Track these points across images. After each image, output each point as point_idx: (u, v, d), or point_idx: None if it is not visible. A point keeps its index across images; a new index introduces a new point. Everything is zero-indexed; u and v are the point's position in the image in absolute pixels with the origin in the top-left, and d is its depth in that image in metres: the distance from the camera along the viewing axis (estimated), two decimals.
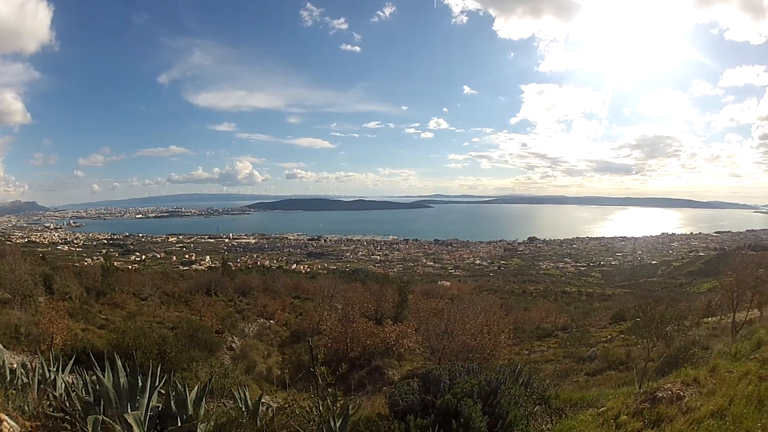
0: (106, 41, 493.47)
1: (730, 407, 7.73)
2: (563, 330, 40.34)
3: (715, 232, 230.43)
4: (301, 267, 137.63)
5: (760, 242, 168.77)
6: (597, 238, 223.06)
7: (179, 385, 6.55)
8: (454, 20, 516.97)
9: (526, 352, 31.51)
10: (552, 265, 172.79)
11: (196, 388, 6.90)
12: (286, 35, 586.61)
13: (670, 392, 8.89)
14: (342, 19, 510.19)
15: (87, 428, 5.44)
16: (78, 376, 7.26)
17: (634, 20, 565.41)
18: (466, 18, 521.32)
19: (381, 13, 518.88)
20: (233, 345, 27.74)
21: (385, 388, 14.65)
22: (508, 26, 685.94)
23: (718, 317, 36.62)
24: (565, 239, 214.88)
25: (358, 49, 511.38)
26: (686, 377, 9.65)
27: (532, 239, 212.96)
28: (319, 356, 7.76)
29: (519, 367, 11.08)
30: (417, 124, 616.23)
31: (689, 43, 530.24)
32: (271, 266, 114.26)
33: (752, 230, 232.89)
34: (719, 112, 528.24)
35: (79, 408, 6.04)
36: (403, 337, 25.23)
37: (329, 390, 6.87)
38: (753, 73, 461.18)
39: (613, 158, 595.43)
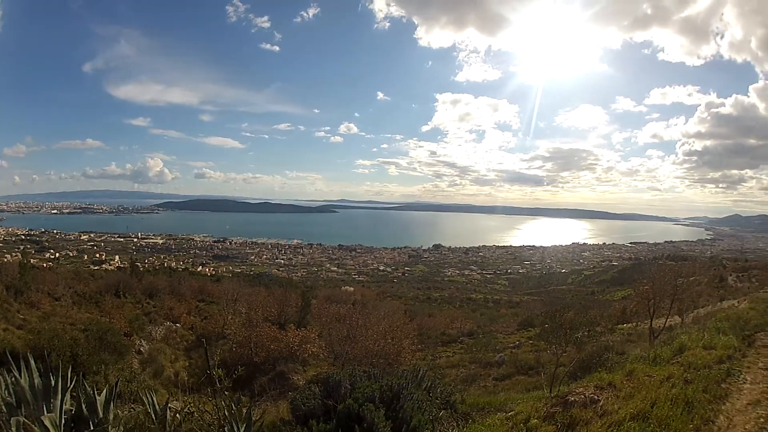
0: (37, 25, 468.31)
1: (653, 410, 7.89)
2: (469, 336, 40.73)
3: (630, 243, 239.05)
4: (207, 269, 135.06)
5: (680, 253, 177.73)
6: (504, 247, 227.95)
7: (89, 388, 6.34)
8: (376, 26, 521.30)
9: (432, 357, 31.86)
10: (457, 272, 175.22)
11: (105, 391, 6.66)
12: (210, 30, 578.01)
13: (583, 396, 9.04)
14: (265, 18, 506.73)
15: (11, 430, 5.41)
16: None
17: (560, 37, 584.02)
18: (389, 24, 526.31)
19: (305, 14, 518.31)
20: (141, 349, 26.68)
21: (290, 393, 14.14)
22: (430, 35, 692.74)
23: (634, 324, 37.72)
24: (471, 247, 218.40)
25: (277, 48, 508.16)
26: (600, 381, 9.86)
27: (437, 246, 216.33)
28: (217, 360, 7.48)
29: (422, 371, 11.15)
30: (327, 128, 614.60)
31: (616, 62, 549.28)
32: (177, 268, 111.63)
33: (671, 241, 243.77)
34: (642, 129, 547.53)
35: (4, 409, 5.89)
36: (306, 342, 24.75)
37: (234, 395, 6.93)
38: (685, 93, 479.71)
39: (524, 169, 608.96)
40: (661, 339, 19.35)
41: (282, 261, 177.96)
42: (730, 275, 79.69)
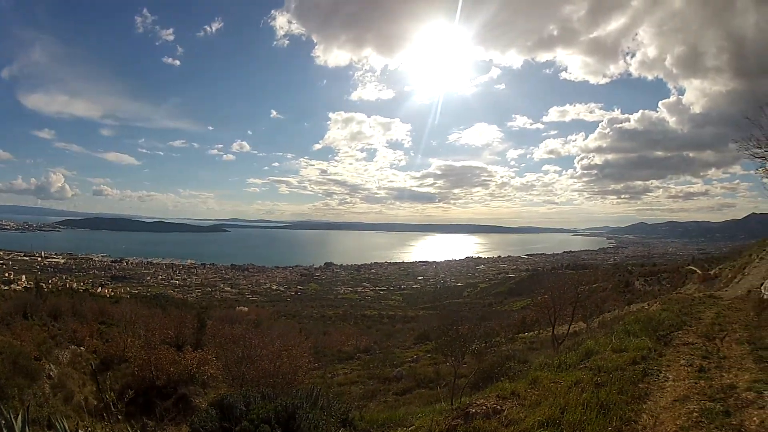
0: None
1: (563, 416, 7.87)
2: (366, 352, 41.16)
3: (527, 255, 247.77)
4: (106, 290, 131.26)
5: (580, 262, 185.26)
6: (396, 263, 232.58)
7: (5, 413, 6.56)
8: (276, 43, 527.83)
9: (330, 375, 31.80)
10: (350, 289, 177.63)
11: (20, 416, 6.84)
12: (117, 40, 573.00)
13: (484, 407, 8.94)
14: (170, 30, 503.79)
15: None
16: None
17: (457, 57, 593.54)
18: (288, 42, 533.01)
19: (208, 28, 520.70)
20: (51, 373, 25.34)
21: (192, 417, 13.37)
22: (327, 54, 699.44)
23: (536, 332, 38.05)
24: (362, 264, 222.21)
25: (178, 63, 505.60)
26: (502, 391, 9.81)
27: (328, 264, 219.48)
28: (121, 384, 7.32)
29: (316, 390, 11.01)
30: (221, 146, 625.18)
31: (515, 81, 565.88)
32: (78, 289, 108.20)
33: (570, 251, 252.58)
34: (538, 146, 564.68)
35: None
36: (204, 364, 24.04)
37: (139, 421, 7.34)
38: (586, 110, 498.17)
39: (415, 187, 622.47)
40: (566, 345, 19.57)
41: (177, 282, 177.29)
42: (637, 280, 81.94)
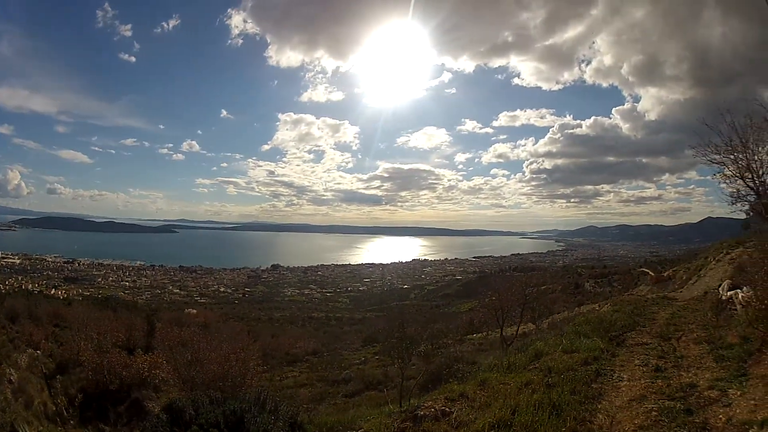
0: None
1: (515, 417, 7.99)
2: (314, 355, 41.40)
3: (474, 257, 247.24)
4: (59, 292, 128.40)
5: (528, 264, 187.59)
6: (343, 265, 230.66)
7: None
8: (230, 42, 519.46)
9: (279, 378, 31.87)
10: (297, 291, 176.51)
11: None
12: (78, 34, 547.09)
13: (433, 409, 9.04)
14: (129, 26, 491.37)
15: None
16: None
17: (409, 61, 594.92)
18: (242, 41, 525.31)
19: (165, 24, 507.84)
20: (11, 378, 24.65)
21: (144, 422, 13.13)
22: (280, 55, 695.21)
23: (484, 333, 38.11)
24: (309, 266, 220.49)
25: (134, 59, 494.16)
26: (451, 393, 9.95)
27: (275, 266, 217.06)
28: (64, 389, 7.26)
29: (264, 394, 10.89)
30: (171, 145, 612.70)
31: (466, 86, 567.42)
32: (33, 290, 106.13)
33: (518, 254, 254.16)
34: (487, 150, 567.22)
35: None
36: (155, 368, 23.48)
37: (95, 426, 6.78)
38: (537, 116, 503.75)
39: (362, 189, 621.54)
40: (515, 346, 19.63)
41: (127, 283, 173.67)
42: (587, 281, 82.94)
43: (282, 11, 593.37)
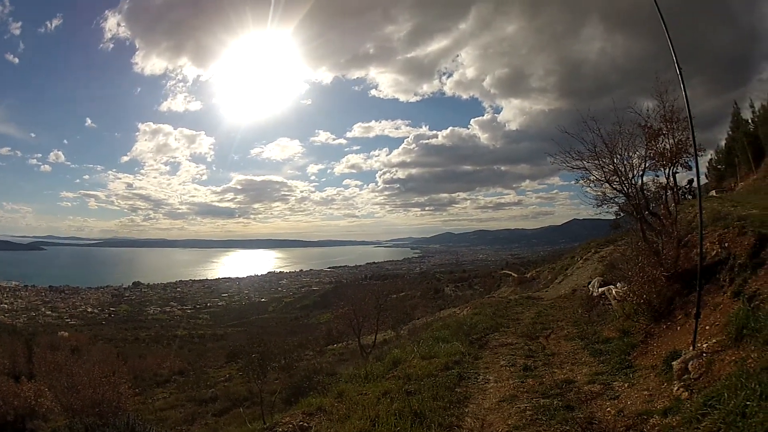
0: None
1: (375, 428, 7.97)
2: (180, 374, 40.93)
3: (329, 268, 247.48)
4: None
5: (384, 272, 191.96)
6: (200, 281, 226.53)
7: None
8: (102, 45, 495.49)
9: (151, 400, 31.35)
10: (159, 309, 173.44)
11: None
12: None
13: (291, 425, 9.03)
14: (19, 23, 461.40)
15: None
16: None
17: (268, 73, 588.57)
18: (113, 45, 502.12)
19: (49, 24, 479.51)
20: None
21: None
22: (146, 61, 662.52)
23: (344, 343, 38.34)
24: (169, 283, 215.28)
25: (17, 60, 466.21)
26: (309, 407, 9.90)
27: (137, 284, 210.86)
28: None
29: (133, 419, 11.15)
30: (39, 155, 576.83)
31: (322, 97, 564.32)
32: None
33: (374, 262, 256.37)
34: (340, 161, 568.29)
35: None
36: (40, 396, 23.14)
37: None
38: (392, 126, 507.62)
39: (216, 202, 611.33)
40: (375, 355, 19.61)
41: (6, 306, 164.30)
42: (447, 286, 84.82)
43: (153, 15, 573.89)
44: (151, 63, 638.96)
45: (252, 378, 22.91)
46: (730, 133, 43.27)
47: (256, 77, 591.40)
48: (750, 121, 40.61)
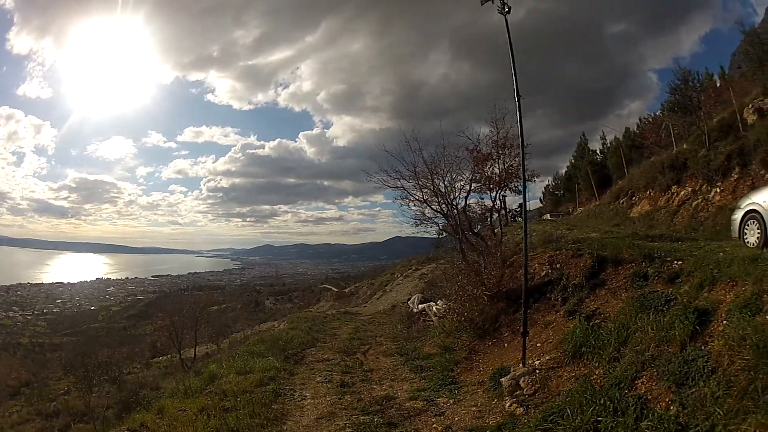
0: None
1: None
2: (27, 386, 39.14)
3: (153, 276, 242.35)
4: None
5: (206, 283, 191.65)
6: (37, 285, 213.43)
7: None
8: None
9: (8, 413, 29.55)
10: (3, 314, 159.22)
11: None
12: None
13: None
14: None
15: None
16: None
17: (114, 64, 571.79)
18: None
19: None
20: None
21: None
22: (17, 37, 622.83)
23: (169, 356, 37.59)
24: (10, 285, 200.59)
25: None
26: (133, 423, 9.60)
27: None
28: None
29: None
30: None
31: (160, 96, 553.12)
32: None
33: (196, 273, 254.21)
34: (168, 165, 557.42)
35: None
36: None
37: None
38: (221, 133, 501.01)
39: (52, 199, 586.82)
40: (195, 369, 19.46)
41: None
42: (267, 299, 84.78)
43: None
44: (21, 40, 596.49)
45: (81, 392, 22.58)
46: (573, 161, 45.52)
47: (105, 67, 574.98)
48: (599, 151, 42.74)
